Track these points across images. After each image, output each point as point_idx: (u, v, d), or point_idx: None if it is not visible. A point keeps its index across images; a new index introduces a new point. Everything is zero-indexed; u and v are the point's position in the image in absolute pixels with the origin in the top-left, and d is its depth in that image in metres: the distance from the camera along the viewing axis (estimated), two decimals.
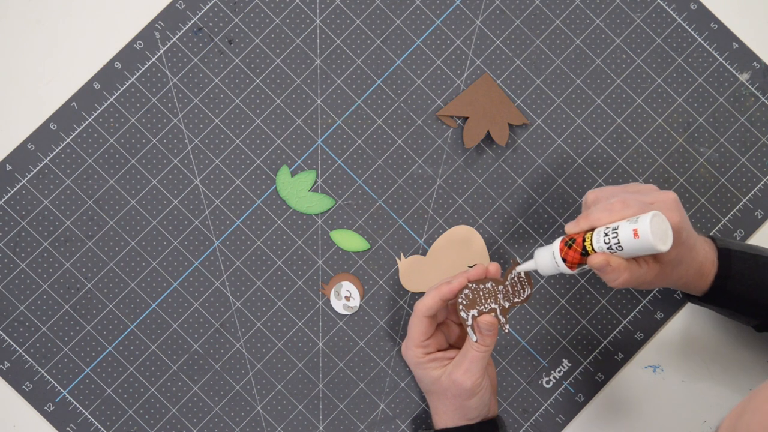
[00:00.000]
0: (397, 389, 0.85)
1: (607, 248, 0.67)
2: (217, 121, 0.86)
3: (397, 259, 0.85)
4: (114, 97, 0.85)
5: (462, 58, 0.87)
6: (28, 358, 0.83)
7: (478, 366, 0.73)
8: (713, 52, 0.88)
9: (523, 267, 0.73)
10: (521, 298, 0.74)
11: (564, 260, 0.69)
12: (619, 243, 0.66)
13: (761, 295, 0.75)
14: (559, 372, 0.85)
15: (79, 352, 0.84)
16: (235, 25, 0.86)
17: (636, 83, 0.87)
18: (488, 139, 0.86)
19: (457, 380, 0.74)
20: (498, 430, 0.76)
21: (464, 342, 0.75)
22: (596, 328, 0.86)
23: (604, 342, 0.86)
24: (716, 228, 0.86)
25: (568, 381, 0.85)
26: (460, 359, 0.74)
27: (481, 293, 0.73)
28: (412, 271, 0.85)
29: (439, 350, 0.78)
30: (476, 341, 0.73)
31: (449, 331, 0.79)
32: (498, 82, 0.87)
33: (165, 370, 0.84)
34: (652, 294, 0.86)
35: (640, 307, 0.86)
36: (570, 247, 0.69)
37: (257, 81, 0.86)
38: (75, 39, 0.86)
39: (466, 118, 0.86)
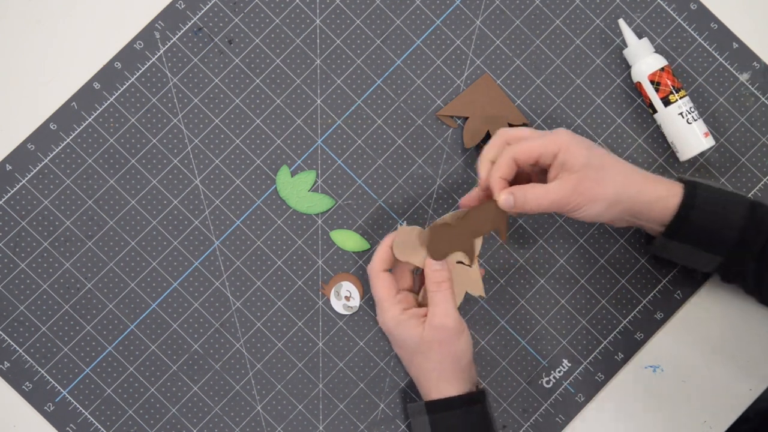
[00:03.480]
0: (397, 389, 0.85)
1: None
2: (217, 121, 0.86)
3: (398, 225, 0.82)
4: (114, 97, 0.85)
5: (462, 58, 0.87)
6: (28, 358, 0.83)
7: (451, 304, 0.76)
8: (713, 52, 0.88)
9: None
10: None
11: None
12: None
13: (724, 227, 0.75)
14: (559, 372, 0.85)
15: (79, 352, 0.84)
16: (235, 25, 0.86)
17: None
18: (488, 139, 0.86)
19: (439, 324, 0.75)
20: (486, 400, 0.77)
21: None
22: (596, 328, 0.86)
23: (604, 342, 0.86)
24: None
25: (568, 381, 0.85)
26: (433, 307, 0.76)
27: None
28: (407, 242, 0.82)
29: (412, 308, 0.78)
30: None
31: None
32: (498, 82, 0.87)
33: (165, 370, 0.84)
34: (652, 294, 0.86)
35: (640, 307, 0.86)
36: None
37: (257, 81, 0.86)
38: (75, 39, 0.86)
39: (466, 118, 0.86)
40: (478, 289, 0.79)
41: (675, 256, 0.79)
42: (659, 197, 0.75)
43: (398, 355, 0.82)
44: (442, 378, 0.76)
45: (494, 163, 0.75)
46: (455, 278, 0.78)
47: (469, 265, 0.78)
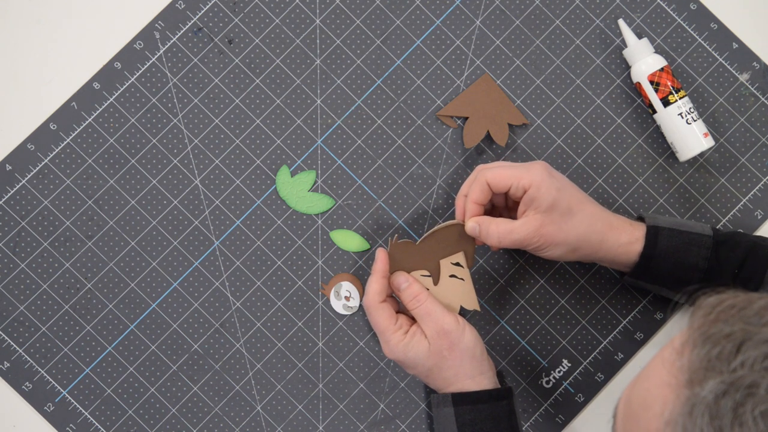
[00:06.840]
0: (397, 389, 0.85)
1: None
2: (217, 121, 0.86)
3: (390, 240, 0.82)
4: (114, 97, 0.85)
5: (462, 58, 0.87)
6: (28, 358, 0.83)
7: (438, 309, 0.76)
8: (713, 52, 0.88)
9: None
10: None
11: None
12: None
13: (686, 274, 0.77)
14: (559, 372, 0.85)
15: (79, 352, 0.84)
16: (235, 25, 0.86)
17: None
18: (488, 139, 0.86)
19: (439, 331, 0.75)
20: (512, 396, 0.77)
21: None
22: (596, 328, 0.86)
23: (604, 342, 0.86)
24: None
25: (568, 381, 0.85)
26: (424, 321, 0.76)
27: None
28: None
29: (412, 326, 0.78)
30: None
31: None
32: (498, 82, 0.87)
33: (165, 370, 0.84)
34: (652, 294, 0.86)
35: (640, 307, 0.86)
36: None
37: (257, 81, 0.86)
38: (75, 39, 0.86)
39: (466, 118, 0.86)
40: (472, 303, 0.79)
41: (646, 290, 0.82)
42: (620, 245, 0.77)
43: (414, 375, 0.81)
44: (466, 377, 0.76)
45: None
46: (448, 292, 0.78)
47: (462, 279, 0.78)
